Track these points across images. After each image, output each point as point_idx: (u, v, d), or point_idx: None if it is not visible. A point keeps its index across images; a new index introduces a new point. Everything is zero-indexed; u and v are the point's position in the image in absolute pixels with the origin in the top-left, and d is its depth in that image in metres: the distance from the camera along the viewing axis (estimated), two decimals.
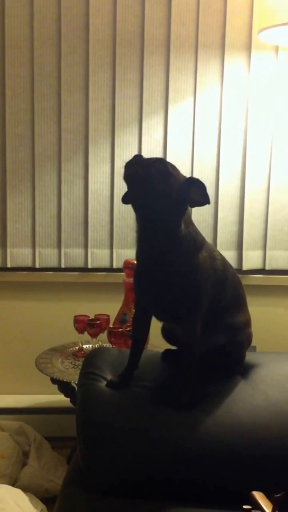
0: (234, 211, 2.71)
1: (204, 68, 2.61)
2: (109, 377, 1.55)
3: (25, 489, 2.22)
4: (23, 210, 2.65)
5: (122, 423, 1.41)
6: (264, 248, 2.74)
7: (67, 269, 2.70)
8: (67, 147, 2.62)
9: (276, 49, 2.61)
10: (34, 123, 2.60)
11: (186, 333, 1.52)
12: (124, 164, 1.42)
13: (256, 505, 1.01)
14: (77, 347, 2.50)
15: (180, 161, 2.61)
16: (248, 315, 1.68)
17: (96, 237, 2.68)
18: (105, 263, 2.70)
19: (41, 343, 2.56)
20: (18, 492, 2.14)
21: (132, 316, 1.91)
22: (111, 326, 2.40)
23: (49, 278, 2.71)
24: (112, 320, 2.46)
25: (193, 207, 1.51)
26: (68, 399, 2.33)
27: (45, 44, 2.56)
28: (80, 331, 2.44)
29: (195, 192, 1.46)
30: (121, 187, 1.44)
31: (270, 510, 0.98)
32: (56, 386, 2.31)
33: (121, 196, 1.51)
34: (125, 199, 1.49)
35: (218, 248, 2.51)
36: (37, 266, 2.68)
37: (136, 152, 2.62)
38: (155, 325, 1.64)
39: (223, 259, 1.59)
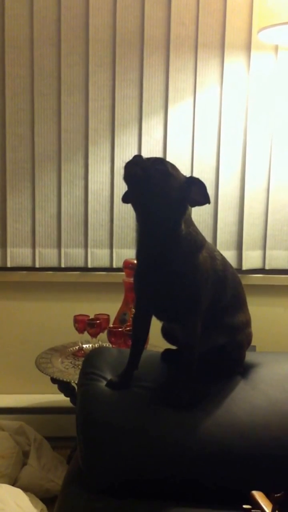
0: (234, 211, 2.71)
1: (203, 67, 2.61)
2: (109, 377, 1.55)
3: (25, 489, 2.22)
4: (23, 210, 2.66)
5: (122, 423, 1.41)
6: (264, 248, 2.74)
7: (67, 269, 2.71)
8: (67, 147, 2.63)
9: (276, 48, 2.61)
10: (34, 123, 2.60)
11: (186, 333, 1.52)
12: (124, 164, 1.42)
13: (256, 504, 1.01)
14: (77, 347, 2.50)
15: (180, 160, 2.61)
16: (248, 315, 1.68)
17: (96, 237, 2.68)
18: (105, 263, 2.70)
19: (41, 343, 2.56)
20: (18, 492, 2.14)
21: (132, 316, 1.91)
22: (111, 326, 2.40)
23: (49, 278, 2.71)
24: (112, 320, 2.46)
25: (193, 206, 1.51)
26: (68, 399, 2.33)
27: (45, 44, 2.56)
28: (80, 331, 2.44)
29: (195, 191, 1.47)
30: (121, 187, 1.45)
31: (270, 509, 0.98)
32: (56, 386, 2.31)
33: (121, 196, 1.51)
34: (125, 199, 1.50)
35: (218, 248, 2.51)
36: (37, 266, 2.69)
37: (136, 152, 2.62)
38: (155, 325, 1.64)
39: (223, 259, 1.59)
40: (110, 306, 2.50)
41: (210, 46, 2.59)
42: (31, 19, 2.54)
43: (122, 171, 1.42)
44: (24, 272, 2.71)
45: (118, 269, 2.64)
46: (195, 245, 1.49)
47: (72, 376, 2.23)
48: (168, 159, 2.56)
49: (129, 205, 1.49)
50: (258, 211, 2.72)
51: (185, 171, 1.54)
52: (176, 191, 1.44)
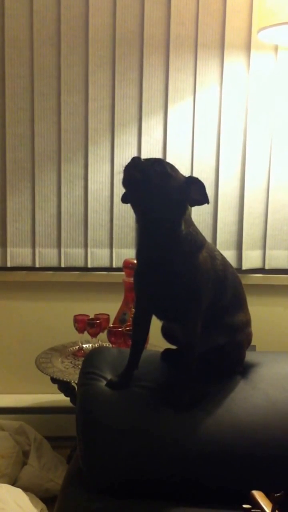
0: (234, 211, 2.71)
1: (203, 67, 2.61)
2: (109, 376, 1.55)
3: (25, 489, 2.22)
4: (23, 210, 2.66)
5: (122, 423, 1.41)
6: (264, 247, 2.74)
7: (67, 269, 2.71)
8: (67, 147, 2.63)
9: (276, 48, 2.61)
10: (34, 123, 2.60)
11: (186, 332, 1.53)
12: (122, 167, 1.42)
13: (256, 504, 1.01)
14: (77, 347, 2.50)
15: (180, 160, 2.61)
16: (248, 315, 1.68)
17: (96, 237, 2.68)
18: (105, 263, 2.70)
19: (41, 342, 2.56)
20: (18, 492, 2.14)
21: (132, 315, 1.91)
22: (111, 325, 2.40)
23: (49, 277, 2.71)
24: (112, 319, 2.46)
25: (192, 206, 1.51)
26: (68, 398, 2.33)
27: (44, 44, 2.56)
28: (80, 330, 2.44)
29: (194, 190, 1.47)
30: (120, 187, 1.44)
31: (270, 509, 0.98)
32: (56, 385, 2.31)
33: (120, 196, 1.51)
34: (125, 199, 1.50)
35: (218, 247, 2.50)
36: (37, 265, 2.69)
37: (135, 152, 2.62)
38: (155, 325, 1.64)
39: (223, 259, 1.59)
40: (110, 306, 2.50)
41: (210, 46, 2.59)
42: (31, 19, 2.54)
43: (121, 176, 1.42)
44: (24, 272, 2.71)
45: (118, 269, 2.64)
46: (195, 245, 1.49)
47: (72, 376, 2.23)
48: (168, 158, 2.59)
49: (129, 205, 1.49)
50: (258, 210, 2.72)
51: (185, 170, 1.54)
52: (175, 191, 1.44)
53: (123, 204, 1.51)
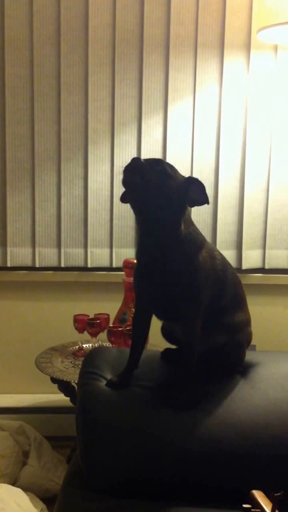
0: (234, 211, 2.71)
1: (203, 67, 2.61)
2: (109, 376, 1.55)
3: (25, 489, 2.22)
4: (23, 210, 2.66)
5: (122, 422, 1.42)
6: (264, 247, 2.74)
7: (67, 269, 2.71)
8: (66, 147, 2.63)
9: (275, 48, 2.61)
10: (34, 123, 2.60)
11: (186, 332, 1.53)
12: (122, 167, 1.42)
13: (255, 504, 1.01)
14: (77, 347, 2.50)
15: (180, 160, 2.61)
16: (248, 315, 1.68)
17: (96, 237, 2.68)
18: (105, 263, 2.70)
19: (41, 342, 2.56)
20: (18, 492, 2.14)
21: (132, 315, 1.91)
22: (111, 325, 2.40)
23: (49, 277, 2.71)
24: (112, 319, 2.47)
25: (192, 206, 1.51)
26: (68, 398, 2.33)
27: (44, 44, 2.56)
28: (80, 330, 2.44)
29: (194, 191, 1.47)
30: (120, 186, 1.44)
31: (270, 509, 0.98)
32: (56, 385, 2.31)
33: (120, 195, 1.51)
34: (124, 198, 1.50)
35: (218, 247, 2.50)
36: (37, 265, 2.69)
37: (135, 152, 2.63)
38: (155, 325, 1.64)
39: (223, 258, 1.60)
40: (110, 306, 2.50)
41: (210, 46, 2.60)
42: (30, 19, 2.54)
43: (121, 173, 1.43)
44: (24, 271, 2.71)
45: (118, 269, 2.64)
46: (195, 245, 1.49)
47: (72, 375, 2.23)
48: (168, 158, 2.59)
49: (129, 205, 1.49)
50: (258, 210, 2.72)
51: (184, 170, 1.54)
52: (175, 192, 1.44)
53: (123, 204, 1.52)
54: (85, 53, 2.57)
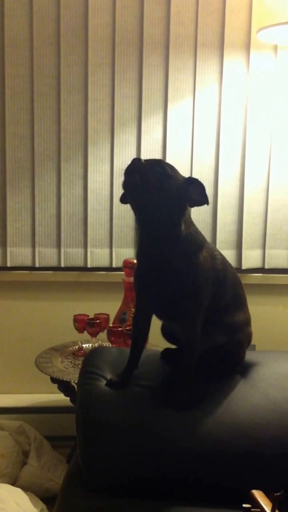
0: (233, 210, 2.71)
1: (203, 67, 2.61)
2: (108, 376, 1.55)
3: (25, 489, 2.22)
4: (23, 210, 2.66)
5: (122, 422, 1.42)
6: (264, 247, 2.74)
7: (66, 269, 2.71)
8: (66, 147, 2.63)
9: (275, 48, 2.61)
10: (34, 123, 2.60)
11: (186, 332, 1.53)
12: (122, 168, 1.42)
13: (255, 503, 1.01)
14: (76, 346, 2.51)
15: (179, 160, 2.61)
16: (248, 314, 1.68)
17: (96, 236, 2.68)
18: (105, 262, 2.70)
19: (41, 342, 2.56)
20: (18, 492, 2.14)
21: (132, 315, 1.91)
22: (111, 325, 2.40)
23: (48, 277, 2.71)
24: (111, 319, 2.47)
25: (192, 206, 1.51)
26: (68, 398, 2.33)
27: (44, 44, 2.56)
28: (80, 330, 2.45)
29: (194, 191, 1.47)
30: (120, 186, 1.45)
31: (270, 508, 0.98)
32: (56, 385, 2.31)
33: (120, 195, 1.51)
34: (123, 199, 1.50)
35: (218, 247, 2.51)
36: (36, 265, 2.69)
37: (135, 151, 2.63)
38: (155, 324, 1.64)
39: (223, 258, 1.60)
40: (110, 306, 2.50)
41: (210, 46, 2.60)
42: (30, 19, 2.54)
43: (121, 171, 1.43)
44: (24, 271, 2.71)
45: (117, 269, 2.64)
46: (195, 245, 1.50)
47: (72, 375, 2.23)
48: (167, 158, 2.59)
49: (129, 205, 1.49)
50: (258, 210, 2.72)
51: (184, 170, 1.54)
52: (175, 192, 1.44)
53: (123, 204, 1.52)
54: (85, 53, 2.58)
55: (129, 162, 1.43)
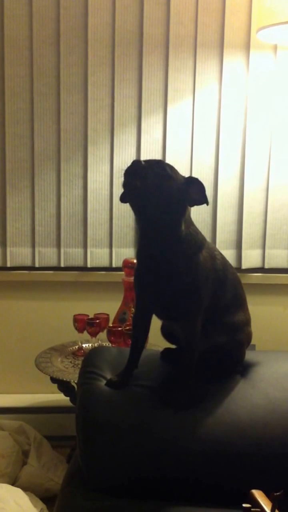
0: (233, 210, 2.71)
1: (203, 67, 2.61)
2: (108, 376, 1.55)
3: (25, 488, 2.22)
4: (23, 209, 2.66)
5: (122, 422, 1.42)
6: (263, 247, 2.74)
7: (66, 268, 2.71)
8: (66, 147, 2.63)
9: (275, 48, 2.61)
10: (34, 123, 2.60)
11: (187, 332, 1.53)
12: (122, 169, 1.42)
13: (255, 503, 1.01)
14: (76, 346, 2.51)
15: (179, 159, 2.61)
16: (248, 314, 1.68)
17: (96, 236, 2.68)
18: (105, 262, 2.70)
19: (41, 342, 2.56)
20: (18, 491, 2.14)
21: (132, 315, 1.91)
22: (111, 325, 2.40)
23: (48, 277, 2.71)
24: (111, 319, 2.47)
25: (192, 206, 1.51)
26: (68, 398, 2.33)
27: (44, 44, 2.56)
28: (80, 330, 2.45)
29: (194, 190, 1.47)
30: (120, 186, 1.45)
31: (270, 508, 0.98)
32: (55, 385, 2.31)
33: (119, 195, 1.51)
34: (123, 198, 1.50)
35: (218, 247, 2.50)
36: (36, 265, 2.69)
37: (135, 151, 2.63)
38: (155, 324, 1.65)
39: (223, 258, 1.60)
40: (110, 306, 2.50)
41: (209, 46, 2.60)
42: (30, 19, 2.54)
43: (121, 171, 1.43)
44: (24, 271, 2.71)
45: (117, 269, 2.64)
46: (195, 245, 1.50)
47: (72, 375, 2.23)
48: (167, 158, 2.59)
49: (128, 205, 1.49)
50: (257, 210, 2.72)
51: (184, 170, 1.54)
52: (175, 192, 1.44)
53: (123, 204, 1.51)
54: (84, 53, 2.58)
55: (129, 163, 1.43)
